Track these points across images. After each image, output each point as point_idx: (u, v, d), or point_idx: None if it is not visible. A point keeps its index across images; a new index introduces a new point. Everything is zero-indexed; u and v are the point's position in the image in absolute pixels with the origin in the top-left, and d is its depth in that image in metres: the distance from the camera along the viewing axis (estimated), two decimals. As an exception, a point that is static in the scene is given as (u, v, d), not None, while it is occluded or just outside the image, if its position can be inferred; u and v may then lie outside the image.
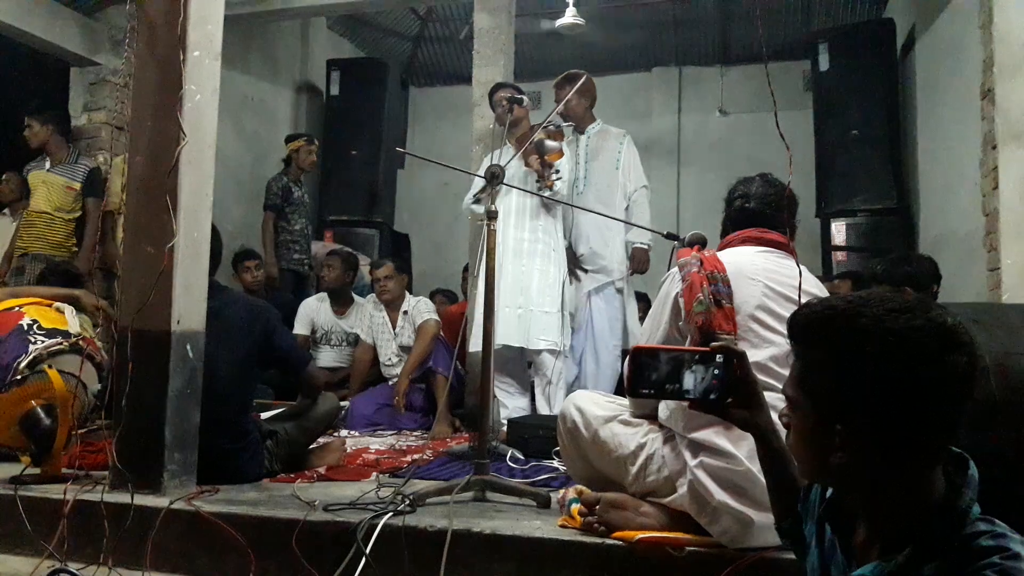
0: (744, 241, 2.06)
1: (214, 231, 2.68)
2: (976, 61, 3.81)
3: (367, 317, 4.79)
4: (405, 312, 4.64)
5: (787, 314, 1.83)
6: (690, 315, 1.87)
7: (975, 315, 1.83)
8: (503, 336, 3.86)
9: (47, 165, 4.95)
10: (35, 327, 3.00)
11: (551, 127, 3.85)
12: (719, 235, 2.22)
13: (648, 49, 7.61)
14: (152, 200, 2.41)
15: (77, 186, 4.91)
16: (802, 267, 1.90)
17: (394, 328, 4.66)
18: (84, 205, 4.94)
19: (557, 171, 3.86)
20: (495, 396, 4.18)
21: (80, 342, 3.06)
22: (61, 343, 2.98)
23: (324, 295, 5.13)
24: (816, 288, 1.96)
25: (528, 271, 4.03)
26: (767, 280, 1.92)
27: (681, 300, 1.91)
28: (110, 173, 4.88)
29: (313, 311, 5.08)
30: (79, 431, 2.78)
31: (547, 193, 3.86)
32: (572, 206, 4.19)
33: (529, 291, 4.00)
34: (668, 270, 2.12)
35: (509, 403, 4.11)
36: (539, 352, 4.05)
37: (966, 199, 4.21)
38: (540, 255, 4.07)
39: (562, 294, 4.09)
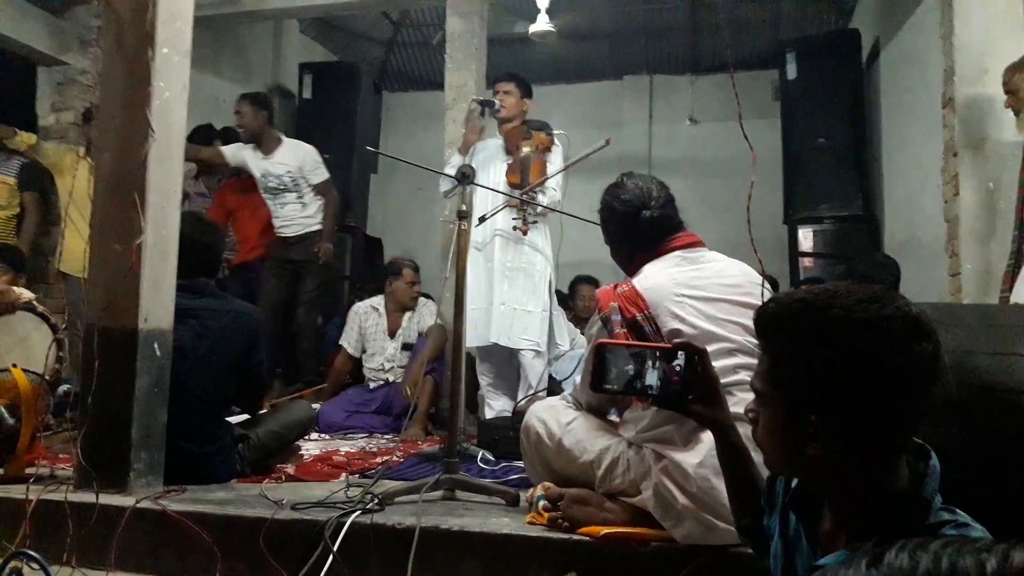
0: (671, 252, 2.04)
1: (205, 227, 2.67)
2: (938, 71, 3.89)
3: (356, 327, 4.69)
4: (414, 310, 4.67)
5: (705, 309, 1.87)
6: None
7: (935, 315, 1.83)
8: (494, 334, 3.88)
9: None
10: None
11: (543, 133, 3.91)
12: (622, 255, 2.15)
13: (619, 58, 7.68)
14: (120, 197, 2.39)
15: (11, 181, 4.83)
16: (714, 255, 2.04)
17: (398, 330, 4.63)
18: (21, 201, 4.87)
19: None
20: (482, 395, 4.18)
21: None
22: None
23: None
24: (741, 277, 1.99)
25: (515, 268, 3.96)
26: (688, 292, 1.91)
27: None
28: None
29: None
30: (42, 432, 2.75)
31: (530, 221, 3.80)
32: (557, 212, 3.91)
33: (514, 289, 3.94)
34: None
35: (495, 404, 4.08)
36: (523, 353, 3.96)
37: (929, 206, 4.29)
38: (527, 251, 3.97)
39: (548, 294, 4.00)
